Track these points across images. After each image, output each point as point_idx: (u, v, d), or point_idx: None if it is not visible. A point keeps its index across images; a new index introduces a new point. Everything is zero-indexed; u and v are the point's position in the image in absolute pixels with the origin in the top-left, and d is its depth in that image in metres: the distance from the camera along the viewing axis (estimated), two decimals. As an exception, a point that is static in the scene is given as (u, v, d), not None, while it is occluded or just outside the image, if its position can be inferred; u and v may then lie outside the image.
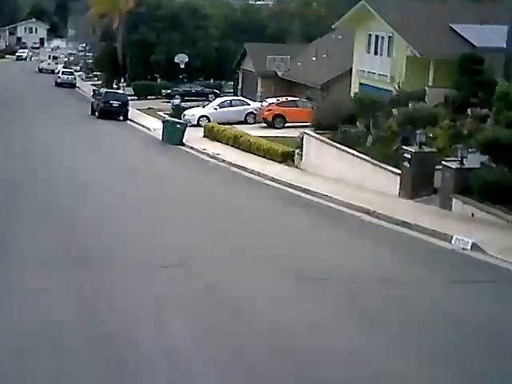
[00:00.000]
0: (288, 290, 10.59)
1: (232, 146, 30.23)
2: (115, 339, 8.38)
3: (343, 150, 22.76)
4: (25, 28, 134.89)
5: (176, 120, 33.70)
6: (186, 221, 15.66)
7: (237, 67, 53.76)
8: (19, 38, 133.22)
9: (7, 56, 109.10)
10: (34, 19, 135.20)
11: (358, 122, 25.83)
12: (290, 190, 20.83)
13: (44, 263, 11.51)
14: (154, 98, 53.28)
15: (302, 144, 25.87)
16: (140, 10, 56.79)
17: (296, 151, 26.05)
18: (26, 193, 18.49)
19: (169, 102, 50.27)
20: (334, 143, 23.57)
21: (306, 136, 25.83)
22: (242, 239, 13.95)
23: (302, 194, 20.03)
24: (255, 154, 27.75)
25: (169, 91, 52.15)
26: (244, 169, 24.78)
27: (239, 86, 53.34)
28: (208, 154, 28.62)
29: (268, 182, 22.34)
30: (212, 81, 56.75)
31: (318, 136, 25.03)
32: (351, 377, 7.56)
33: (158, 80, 57.59)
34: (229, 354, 8.04)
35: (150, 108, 46.89)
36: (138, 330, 8.62)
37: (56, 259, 11.92)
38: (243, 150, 28.95)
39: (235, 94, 51.99)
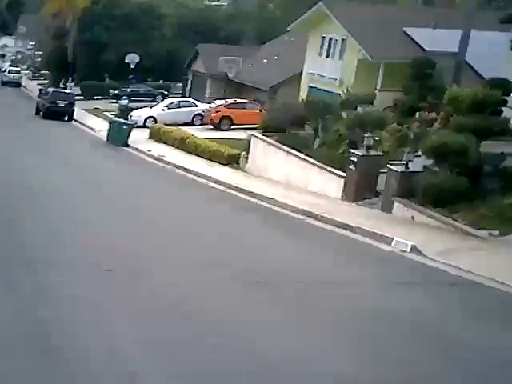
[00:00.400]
0: (235, 290, 10.04)
1: (178, 148, 29.41)
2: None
3: (290, 153, 22.20)
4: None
5: (122, 121, 32.69)
6: (127, 222, 14.84)
7: (187, 68, 52.89)
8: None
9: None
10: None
11: (306, 125, 25.39)
12: (234, 192, 20.15)
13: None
14: (102, 99, 52.10)
15: (249, 146, 25.24)
16: (96, 8, 55.46)
17: (242, 153, 25.40)
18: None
19: (116, 103, 49.14)
20: (282, 146, 22.99)
21: (253, 138, 25.21)
22: (185, 240, 13.21)
23: (247, 197, 19.36)
24: (201, 157, 27.00)
25: (116, 92, 51.00)
26: (189, 171, 23.99)
27: (188, 88, 52.47)
28: (153, 156, 27.74)
29: (213, 184, 21.61)
30: (161, 82, 55.76)
31: (265, 138, 24.43)
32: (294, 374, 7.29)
33: (107, 80, 56.37)
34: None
35: (96, 108, 45.74)
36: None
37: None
38: (189, 152, 28.17)
39: (183, 96, 51.10)
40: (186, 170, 24.34)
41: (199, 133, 32.36)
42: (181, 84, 55.35)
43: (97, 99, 51.90)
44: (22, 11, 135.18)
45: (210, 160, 26.06)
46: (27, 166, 23.12)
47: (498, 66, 22.62)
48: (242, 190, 20.06)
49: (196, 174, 23.34)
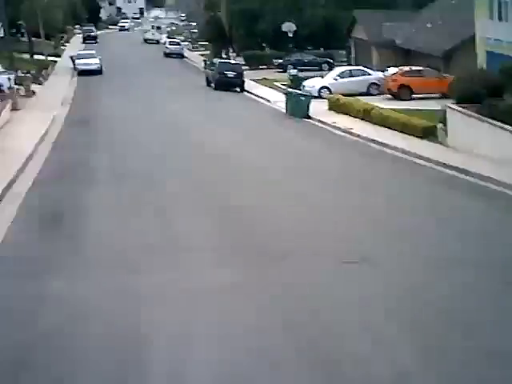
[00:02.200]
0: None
1: (362, 119, 28.86)
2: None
3: (498, 126, 21.03)
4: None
5: (300, 92, 32.54)
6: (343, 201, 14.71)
7: (347, 36, 51.98)
8: (119, 8, 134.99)
9: (110, 27, 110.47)
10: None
11: (505, 95, 24.05)
12: (446, 170, 19.19)
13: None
14: (266, 68, 52.41)
15: (445, 118, 24.26)
16: (243, -23, 55.63)
17: (439, 126, 24.47)
18: (170, 167, 18.00)
19: (281, 72, 49.33)
20: (486, 118, 21.86)
21: (449, 110, 24.20)
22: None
23: (461, 176, 18.41)
24: (390, 129, 26.28)
25: (280, 61, 51.11)
26: (385, 145, 23.33)
27: (352, 56, 51.60)
28: (340, 128, 27.38)
29: (417, 160, 20.78)
30: (322, 50, 55.17)
31: (464, 110, 23.35)
32: None
33: (266, 49, 56.54)
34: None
35: (264, 78, 45.96)
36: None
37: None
38: (376, 124, 27.56)
39: (349, 64, 50.36)
40: (380, 144, 23.70)
41: (378, 103, 31.63)
42: (342, 52, 54.60)
43: (261, 69, 52.26)
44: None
45: (403, 133, 25.31)
46: (224, 140, 23.47)
47: None
48: (456, 168, 18.96)
49: (394, 148, 22.64)
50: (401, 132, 25.52)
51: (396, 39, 43.04)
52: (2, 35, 48.43)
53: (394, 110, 28.86)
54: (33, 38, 55.90)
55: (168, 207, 13.88)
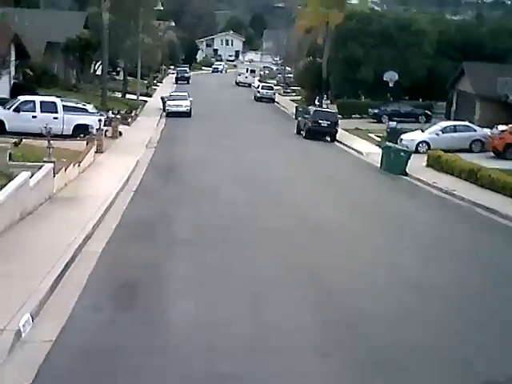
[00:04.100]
0: None
1: (466, 180, 26.55)
2: None
3: None
4: (221, 40, 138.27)
5: (399, 147, 30.51)
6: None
7: (451, 87, 49.63)
8: (215, 50, 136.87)
9: (204, 68, 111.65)
10: (231, 31, 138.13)
11: None
12: None
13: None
14: (359, 118, 50.66)
15: None
16: (349, 24, 54.22)
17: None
18: (262, 234, 16.24)
19: (376, 123, 47.52)
20: None
21: None
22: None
23: None
24: (500, 193, 23.87)
25: (376, 111, 49.30)
26: (494, 212, 20.98)
27: (453, 108, 49.13)
28: (441, 189, 25.17)
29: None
30: (420, 101, 52.97)
31: None
32: None
33: (362, 98, 54.81)
34: None
35: (357, 128, 44.13)
36: None
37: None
38: (482, 186, 25.20)
39: (447, 116, 48.03)
40: (488, 209, 21.37)
41: (480, 161, 29.23)
42: (442, 103, 52.28)
43: (354, 118, 50.54)
44: (266, 27, 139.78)
45: (514, 198, 22.89)
46: (307, 197, 21.81)
47: None
48: None
49: (506, 217, 20.20)
50: (511, 197, 23.15)
51: (510, 95, 40.25)
52: (98, 73, 48.89)
53: (502, 170, 26.45)
54: (128, 77, 56.22)
55: (261, 292, 11.52)
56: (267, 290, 11.54)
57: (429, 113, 48.62)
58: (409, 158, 29.03)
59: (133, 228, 15.50)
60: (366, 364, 8.76)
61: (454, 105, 48.74)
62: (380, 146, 33.44)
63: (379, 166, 30.21)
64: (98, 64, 48.28)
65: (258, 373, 8.27)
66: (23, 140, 22.65)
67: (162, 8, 58.65)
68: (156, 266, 12.52)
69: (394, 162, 28.94)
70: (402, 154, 29.14)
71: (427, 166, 30.41)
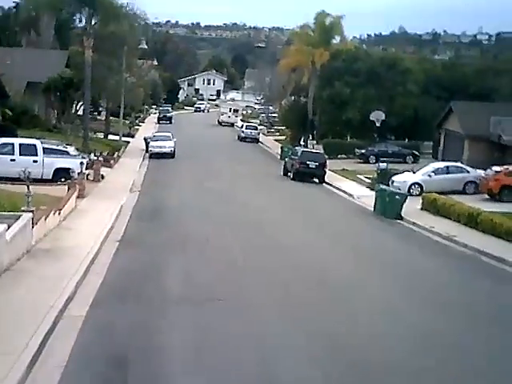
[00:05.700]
0: None
1: (466, 224, 25.50)
2: None
3: None
4: (203, 79, 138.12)
5: (394, 190, 29.46)
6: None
7: (438, 127, 49.05)
8: (197, 89, 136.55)
9: (186, 107, 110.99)
10: (212, 70, 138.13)
11: None
12: None
13: None
14: (345, 158, 49.81)
15: None
16: (335, 63, 53.67)
17: None
18: (260, 285, 14.95)
19: (363, 163, 46.65)
20: None
21: None
22: None
23: None
24: (503, 239, 22.83)
25: (363, 151, 48.50)
26: (502, 261, 19.89)
27: (440, 148, 48.49)
28: (440, 235, 24.08)
29: None
30: (406, 140, 52.32)
31: None
32: None
33: (348, 138, 54.10)
34: None
35: (344, 169, 43.16)
36: None
37: None
38: (482, 231, 24.17)
39: (434, 156, 47.37)
40: (495, 258, 20.29)
41: (474, 203, 28.26)
42: (428, 143, 51.67)
43: (340, 158, 49.69)
44: (247, 66, 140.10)
45: (518, 245, 21.85)
46: (299, 242, 20.67)
47: None
48: None
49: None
50: (514, 243, 22.10)
51: (503, 135, 39.50)
52: (80, 113, 47.69)
53: (498, 213, 25.48)
54: (110, 117, 55.11)
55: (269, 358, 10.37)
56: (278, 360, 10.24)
57: (416, 153, 47.92)
58: (404, 201, 28.01)
59: (119, 286, 14.10)
60: None
61: (442, 144, 48.09)
62: (372, 189, 32.46)
63: (373, 209, 29.15)
64: (80, 104, 47.07)
65: None
66: (0, 185, 21.33)
67: (146, 47, 57.74)
68: (147, 334, 11.13)
69: (390, 206, 27.88)
70: (397, 196, 28.10)
71: (422, 209, 29.43)
